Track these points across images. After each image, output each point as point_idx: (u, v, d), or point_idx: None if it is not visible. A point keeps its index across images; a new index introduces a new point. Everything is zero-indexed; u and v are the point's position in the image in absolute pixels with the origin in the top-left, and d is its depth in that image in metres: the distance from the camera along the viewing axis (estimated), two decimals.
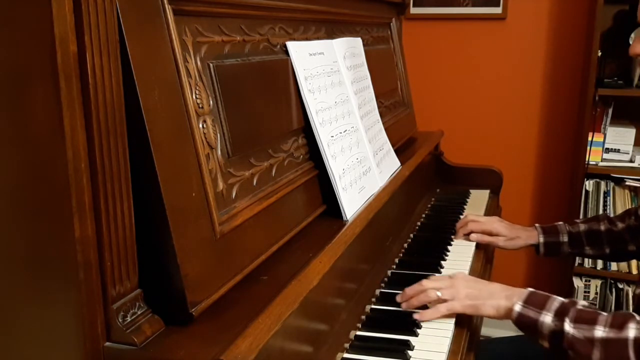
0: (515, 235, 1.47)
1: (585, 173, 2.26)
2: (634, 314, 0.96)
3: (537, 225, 1.49)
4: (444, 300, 1.07)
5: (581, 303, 1.01)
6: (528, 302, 1.02)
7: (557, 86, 2.48)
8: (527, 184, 2.61)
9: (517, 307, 1.02)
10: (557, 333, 0.97)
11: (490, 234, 1.47)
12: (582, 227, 1.45)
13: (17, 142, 0.66)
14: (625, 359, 0.91)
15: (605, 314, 0.97)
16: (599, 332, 0.94)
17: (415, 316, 1.06)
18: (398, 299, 1.12)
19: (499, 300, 1.05)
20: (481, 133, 2.60)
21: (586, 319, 0.96)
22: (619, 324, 0.93)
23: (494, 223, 1.48)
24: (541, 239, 1.46)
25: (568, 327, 0.96)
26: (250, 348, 0.68)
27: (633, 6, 2.19)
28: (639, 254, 1.42)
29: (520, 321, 1.02)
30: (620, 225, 1.41)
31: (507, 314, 1.04)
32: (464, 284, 1.09)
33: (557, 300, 1.01)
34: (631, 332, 0.91)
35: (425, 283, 1.11)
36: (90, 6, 0.62)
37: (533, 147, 2.57)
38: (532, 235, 1.47)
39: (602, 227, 1.43)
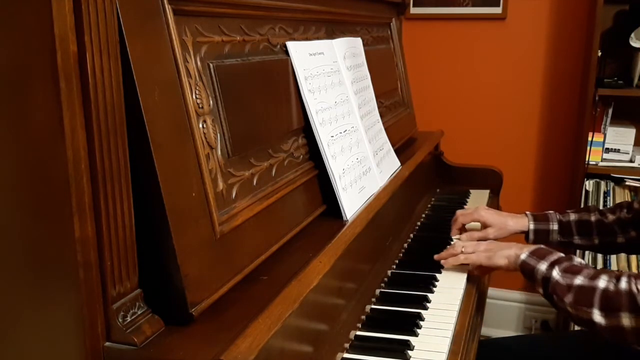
0: (504, 223, 1.48)
1: (585, 173, 2.26)
2: (613, 270, 1.06)
3: (527, 212, 1.50)
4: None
5: (577, 260, 1.10)
6: (534, 253, 1.14)
7: (557, 86, 2.48)
8: (527, 184, 2.61)
9: (523, 256, 1.14)
10: (547, 279, 1.08)
11: (479, 222, 1.48)
12: (573, 216, 1.46)
13: (17, 142, 0.66)
14: (590, 304, 1.00)
15: (593, 268, 1.06)
16: (578, 280, 1.04)
17: (436, 257, 1.30)
18: (436, 257, 1.32)
19: (510, 251, 1.18)
20: (481, 133, 2.60)
21: (573, 271, 1.06)
22: (596, 275, 1.03)
23: (481, 211, 1.49)
24: (531, 226, 1.47)
25: (555, 273, 1.07)
26: (250, 348, 0.68)
27: (633, 6, 2.20)
28: (627, 246, 1.43)
29: (523, 268, 1.13)
30: (610, 217, 1.42)
31: (515, 262, 1.16)
32: (486, 243, 1.28)
33: (558, 254, 1.12)
34: (602, 282, 1.01)
35: (455, 243, 1.33)
36: (90, 6, 0.62)
37: (533, 147, 2.57)
38: (521, 222, 1.48)
39: (593, 218, 1.43)
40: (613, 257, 2.30)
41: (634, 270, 2.28)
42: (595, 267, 1.09)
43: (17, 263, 0.69)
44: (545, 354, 1.34)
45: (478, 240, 1.47)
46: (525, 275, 1.14)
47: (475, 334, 1.14)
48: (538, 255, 1.12)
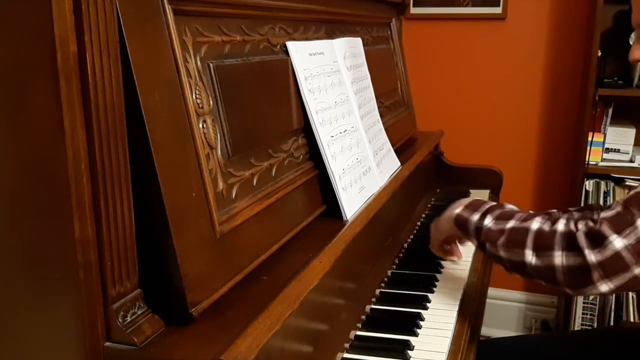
0: None
1: (585, 173, 2.26)
2: (547, 212, 1.08)
3: (531, 211, 1.50)
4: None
5: (509, 207, 1.10)
6: (467, 206, 1.13)
7: (557, 86, 2.48)
8: (527, 184, 2.61)
9: (458, 210, 1.14)
10: (479, 228, 1.07)
11: None
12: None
13: (17, 142, 0.66)
14: (522, 244, 0.99)
15: (523, 212, 1.06)
16: (510, 224, 1.03)
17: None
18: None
19: (450, 212, 1.17)
20: (481, 133, 2.60)
21: (505, 216, 1.05)
22: (528, 218, 1.03)
23: None
24: None
25: (488, 221, 1.06)
26: (250, 348, 0.68)
27: None
28: None
29: (457, 222, 1.13)
30: None
31: (452, 218, 1.15)
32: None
33: (491, 203, 1.12)
34: (535, 224, 1.00)
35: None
36: (90, 6, 0.62)
37: (533, 147, 2.57)
38: None
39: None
40: None
41: None
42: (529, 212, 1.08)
43: (17, 263, 0.69)
44: (545, 354, 1.34)
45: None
46: (460, 230, 1.13)
47: (475, 334, 1.14)
48: (471, 208, 1.12)
